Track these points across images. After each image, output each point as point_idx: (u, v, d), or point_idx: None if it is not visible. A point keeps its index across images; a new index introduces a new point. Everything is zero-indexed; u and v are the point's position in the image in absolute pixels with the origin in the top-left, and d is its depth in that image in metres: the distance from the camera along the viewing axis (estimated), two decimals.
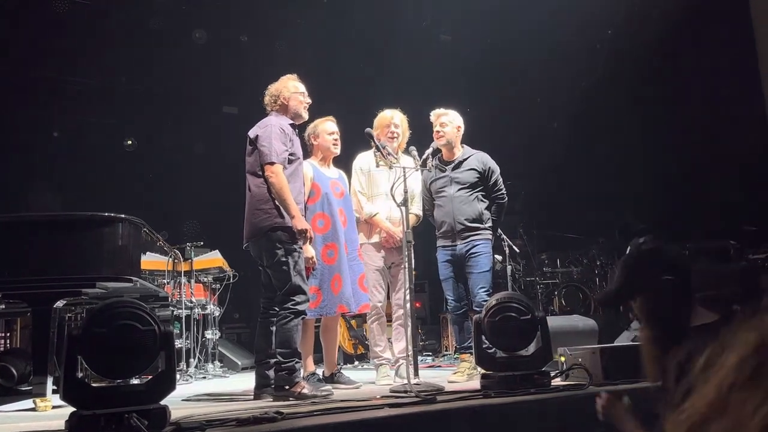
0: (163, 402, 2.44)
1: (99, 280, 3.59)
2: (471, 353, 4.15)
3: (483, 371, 3.39)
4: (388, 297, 4.69)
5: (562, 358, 3.69)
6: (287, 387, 3.54)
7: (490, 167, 4.57)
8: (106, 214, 3.71)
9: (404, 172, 3.79)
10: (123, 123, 8.28)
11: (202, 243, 6.39)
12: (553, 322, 4.32)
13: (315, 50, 7.61)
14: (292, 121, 3.92)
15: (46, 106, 7.67)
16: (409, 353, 3.64)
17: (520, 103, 7.96)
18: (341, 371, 4.50)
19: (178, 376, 3.45)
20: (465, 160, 4.57)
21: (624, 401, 1.83)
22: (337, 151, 4.47)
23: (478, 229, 4.45)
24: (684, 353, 0.56)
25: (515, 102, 7.95)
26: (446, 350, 7.34)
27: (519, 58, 7.68)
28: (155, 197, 7.70)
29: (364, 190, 4.60)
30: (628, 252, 1.75)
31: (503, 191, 4.61)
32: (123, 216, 3.72)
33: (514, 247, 6.71)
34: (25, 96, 7.37)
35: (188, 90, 7.88)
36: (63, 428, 2.37)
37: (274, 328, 3.71)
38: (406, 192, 3.78)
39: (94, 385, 2.63)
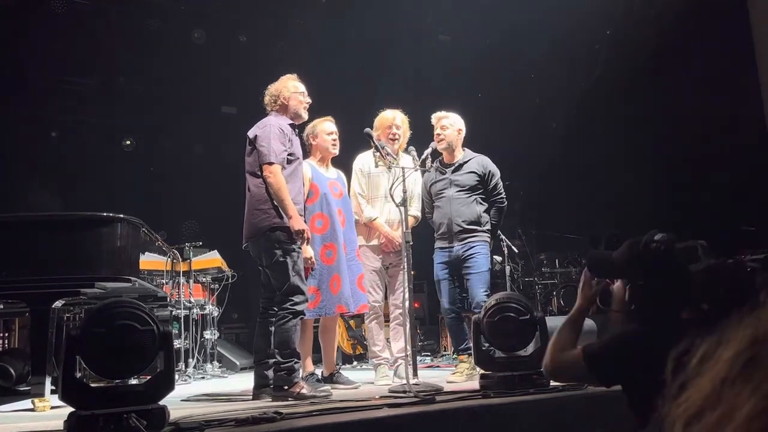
0: (161, 402, 2.43)
1: (98, 280, 3.58)
2: (469, 354, 4.15)
3: (482, 371, 3.40)
4: (386, 297, 4.69)
5: None
6: (286, 387, 3.54)
7: (490, 171, 4.56)
8: (105, 214, 3.70)
9: (403, 172, 3.79)
10: (122, 123, 8.27)
11: (200, 243, 6.38)
12: (552, 322, 4.31)
13: (314, 50, 7.61)
14: (291, 121, 3.91)
15: (45, 106, 7.66)
16: (408, 353, 3.63)
17: (519, 103, 7.97)
18: (340, 371, 4.50)
19: (176, 377, 3.44)
20: (465, 163, 4.57)
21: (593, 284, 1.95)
22: (336, 151, 4.47)
23: (475, 231, 4.45)
24: (682, 348, 0.57)
25: (514, 102, 7.95)
26: (445, 350, 7.34)
27: (518, 59, 7.68)
28: (154, 197, 7.70)
29: (364, 192, 4.60)
30: (642, 242, 1.75)
31: (503, 195, 4.60)
32: (122, 216, 3.72)
33: (512, 247, 6.72)
34: (23, 96, 7.36)
35: (187, 90, 7.87)
36: (61, 428, 2.37)
37: (273, 329, 3.71)
38: (405, 192, 3.78)
39: (92, 385, 2.63)
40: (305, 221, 3.84)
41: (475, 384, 3.53)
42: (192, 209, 8.19)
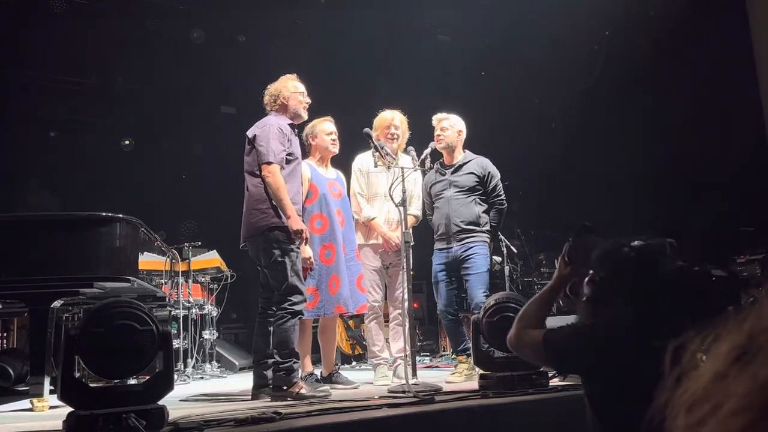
0: (161, 402, 2.43)
1: (96, 280, 3.58)
2: (468, 354, 4.15)
3: (481, 371, 3.40)
4: (386, 297, 4.69)
5: None
6: (285, 387, 3.53)
7: (489, 172, 4.56)
8: (104, 213, 3.69)
9: (402, 172, 3.79)
10: (120, 123, 8.26)
11: (199, 243, 6.38)
12: (551, 322, 4.30)
13: (313, 50, 7.61)
14: (291, 121, 3.91)
15: (43, 106, 7.65)
16: (407, 353, 3.63)
17: (518, 103, 7.97)
18: (339, 371, 4.50)
19: (175, 377, 3.44)
20: (465, 164, 4.58)
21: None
22: (335, 150, 4.47)
23: (474, 231, 4.45)
24: (680, 341, 0.57)
25: (513, 102, 7.96)
26: (444, 351, 7.34)
27: (517, 59, 7.68)
28: (153, 197, 7.69)
29: (364, 191, 4.60)
30: (618, 245, 1.77)
31: (503, 197, 4.60)
32: (120, 216, 3.71)
33: (511, 247, 6.72)
34: (22, 96, 7.36)
35: (186, 90, 7.87)
36: (60, 428, 2.37)
37: (271, 329, 3.71)
38: (404, 192, 3.78)
39: (91, 385, 2.63)
40: (303, 221, 3.84)
41: (474, 384, 3.53)
42: (191, 209, 8.19)
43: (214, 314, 6.69)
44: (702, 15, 6.25)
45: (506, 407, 2.90)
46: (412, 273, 4.20)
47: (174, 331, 5.80)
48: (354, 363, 7.15)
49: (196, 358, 6.27)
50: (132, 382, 3.32)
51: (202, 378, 6.06)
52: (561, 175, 7.90)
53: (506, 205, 4.63)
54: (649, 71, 7.02)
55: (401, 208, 3.74)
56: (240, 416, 2.53)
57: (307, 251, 3.98)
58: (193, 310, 6.20)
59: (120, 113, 8.08)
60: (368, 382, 4.45)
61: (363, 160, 4.62)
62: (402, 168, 3.84)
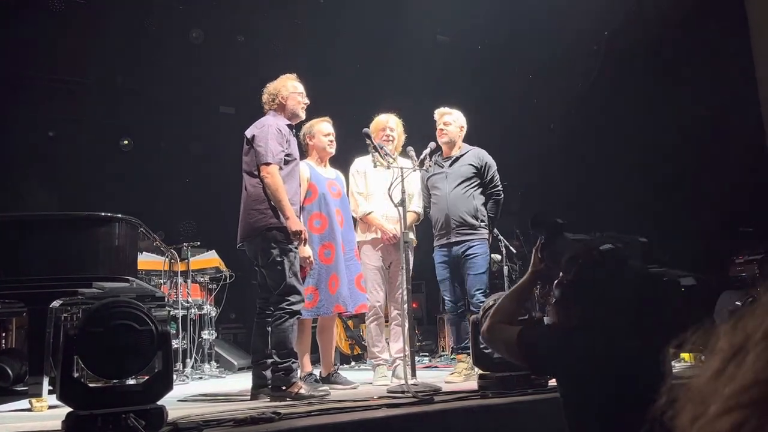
0: (160, 402, 2.43)
1: (95, 280, 3.58)
2: (468, 353, 4.15)
3: (480, 371, 3.39)
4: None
5: None
6: (284, 387, 3.53)
7: (486, 162, 4.59)
8: (103, 213, 3.70)
9: (401, 172, 3.79)
10: (119, 123, 8.25)
11: (198, 243, 6.38)
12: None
13: (312, 50, 7.61)
14: (289, 122, 3.91)
15: (42, 106, 7.64)
16: (407, 353, 3.63)
17: (517, 103, 7.97)
18: (338, 371, 4.50)
19: (174, 377, 3.43)
20: (462, 156, 4.62)
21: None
22: (332, 151, 4.47)
23: (473, 227, 4.46)
24: (678, 341, 0.58)
25: (512, 102, 7.96)
26: (443, 351, 7.34)
27: (516, 60, 7.67)
28: (152, 197, 7.68)
29: (362, 190, 4.60)
30: (588, 248, 1.75)
31: (500, 187, 4.63)
32: (119, 216, 3.71)
33: (510, 247, 6.71)
34: (20, 95, 7.34)
35: (185, 90, 7.86)
36: (59, 428, 2.36)
37: (270, 329, 3.70)
38: (403, 192, 3.78)
39: (90, 385, 2.62)
40: (302, 221, 3.83)
41: (473, 384, 3.53)
42: (190, 209, 8.18)
43: (213, 314, 6.69)
44: (702, 15, 6.26)
45: (505, 407, 2.89)
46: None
47: (173, 331, 5.79)
48: (353, 363, 7.15)
49: (195, 358, 6.26)
50: (131, 382, 3.31)
51: (201, 378, 6.06)
52: (560, 176, 7.90)
53: (503, 195, 4.65)
54: (649, 71, 7.03)
55: (400, 209, 3.73)
56: (239, 416, 2.53)
57: (306, 251, 3.98)
58: (192, 310, 6.20)
59: (118, 113, 8.07)
60: (367, 382, 4.45)
61: (361, 163, 4.63)
62: (401, 168, 3.84)
